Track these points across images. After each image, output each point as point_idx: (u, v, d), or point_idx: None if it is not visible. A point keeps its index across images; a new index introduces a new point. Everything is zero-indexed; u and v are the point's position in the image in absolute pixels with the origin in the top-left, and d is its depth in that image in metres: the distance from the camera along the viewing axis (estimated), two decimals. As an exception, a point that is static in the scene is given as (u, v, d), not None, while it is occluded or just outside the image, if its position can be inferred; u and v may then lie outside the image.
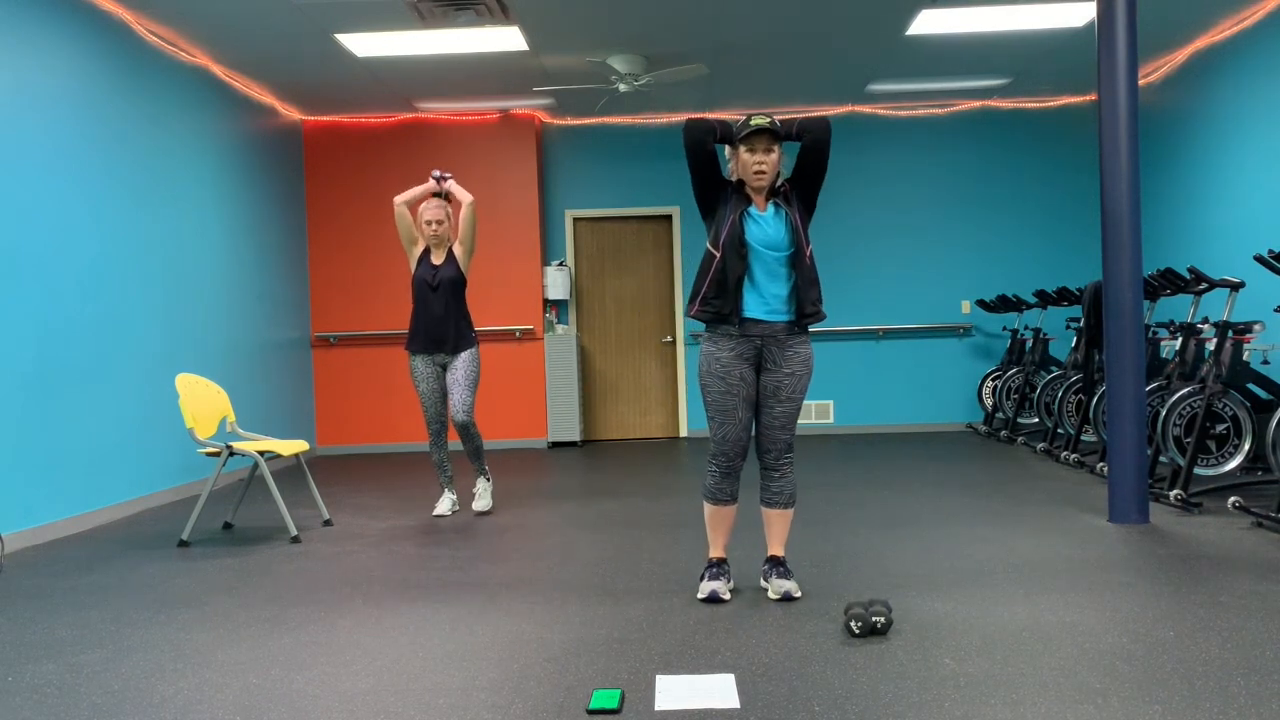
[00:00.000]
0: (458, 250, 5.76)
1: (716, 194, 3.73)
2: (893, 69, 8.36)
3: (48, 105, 5.66)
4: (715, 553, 3.89)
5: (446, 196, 5.81)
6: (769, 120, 3.64)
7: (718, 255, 3.66)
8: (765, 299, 3.68)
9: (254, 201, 8.32)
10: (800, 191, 3.75)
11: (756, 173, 3.65)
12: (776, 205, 3.70)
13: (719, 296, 3.67)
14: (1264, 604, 3.55)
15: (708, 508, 3.86)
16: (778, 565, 3.84)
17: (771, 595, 3.80)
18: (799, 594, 3.79)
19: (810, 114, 3.77)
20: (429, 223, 5.68)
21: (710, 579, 3.82)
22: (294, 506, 6.29)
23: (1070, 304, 8.10)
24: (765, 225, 3.67)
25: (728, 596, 3.81)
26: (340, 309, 9.47)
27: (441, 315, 5.67)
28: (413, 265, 5.78)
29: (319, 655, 3.29)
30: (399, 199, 5.75)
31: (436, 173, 5.85)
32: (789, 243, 3.66)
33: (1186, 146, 8.20)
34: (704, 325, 3.76)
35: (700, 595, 3.80)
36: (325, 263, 9.46)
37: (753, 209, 3.68)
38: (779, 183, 3.76)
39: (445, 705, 2.81)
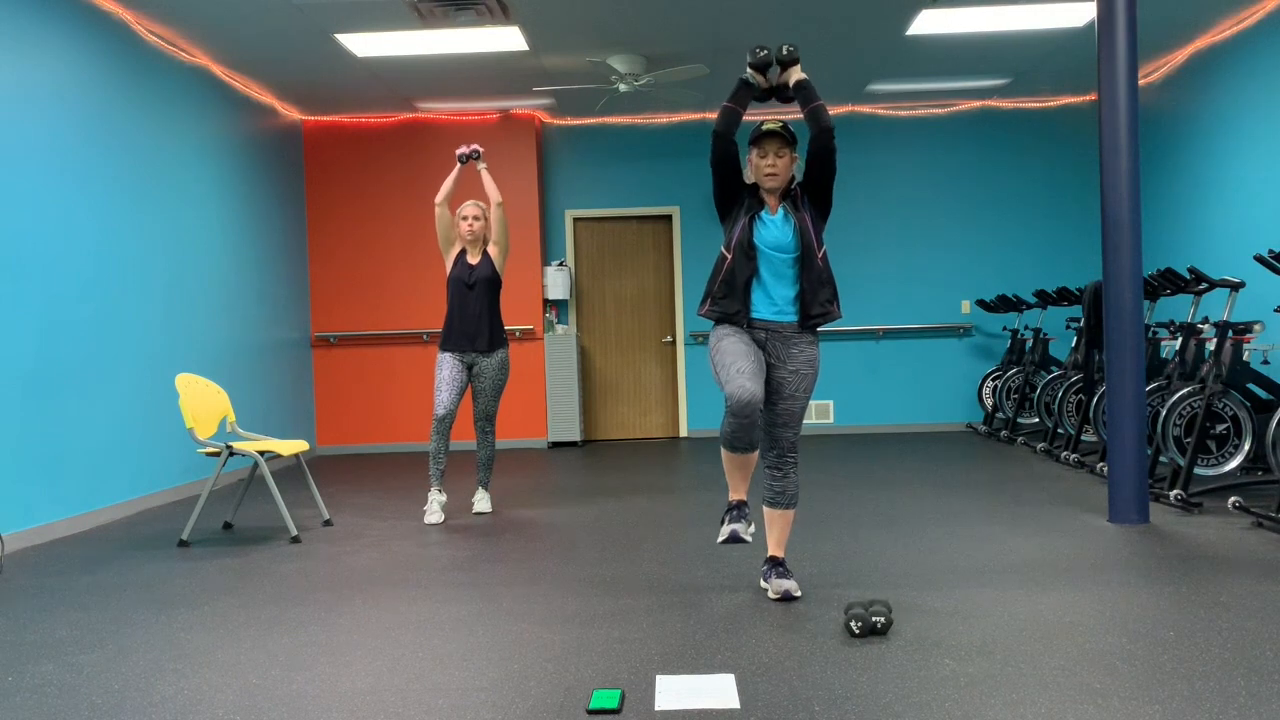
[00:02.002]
0: (493, 250, 5.78)
1: (735, 196, 3.80)
2: (893, 69, 8.37)
3: (48, 105, 5.66)
4: (736, 495, 3.79)
5: (471, 158, 5.75)
6: (780, 125, 3.71)
7: (729, 257, 3.74)
8: (773, 300, 3.73)
9: (254, 201, 8.32)
10: (811, 194, 3.79)
11: (768, 175, 3.72)
12: (786, 209, 3.75)
13: (728, 297, 3.73)
14: (1264, 604, 3.55)
15: (726, 454, 3.76)
16: (777, 565, 3.85)
17: (771, 595, 3.80)
18: (799, 594, 3.79)
19: (822, 105, 3.75)
20: (465, 218, 5.69)
21: (732, 521, 3.72)
22: (294, 506, 6.29)
23: (1070, 304, 8.10)
24: (773, 228, 3.72)
25: (749, 538, 3.73)
26: (340, 309, 9.47)
27: (476, 314, 5.71)
28: (449, 266, 5.79)
29: (319, 655, 3.29)
30: (439, 198, 5.73)
31: (462, 150, 5.79)
32: (796, 245, 3.71)
33: (1186, 146, 8.20)
34: (713, 324, 3.80)
35: (720, 538, 3.72)
36: (325, 263, 9.46)
37: (764, 213, 3.74)
38: (792, 185, 3.81)
39: (445, 705, 2.81)
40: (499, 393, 5.82)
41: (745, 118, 3.85)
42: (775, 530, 3.87)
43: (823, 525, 5.22)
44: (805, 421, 9.69)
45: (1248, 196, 7.29)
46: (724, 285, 3.73)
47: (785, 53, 3.73)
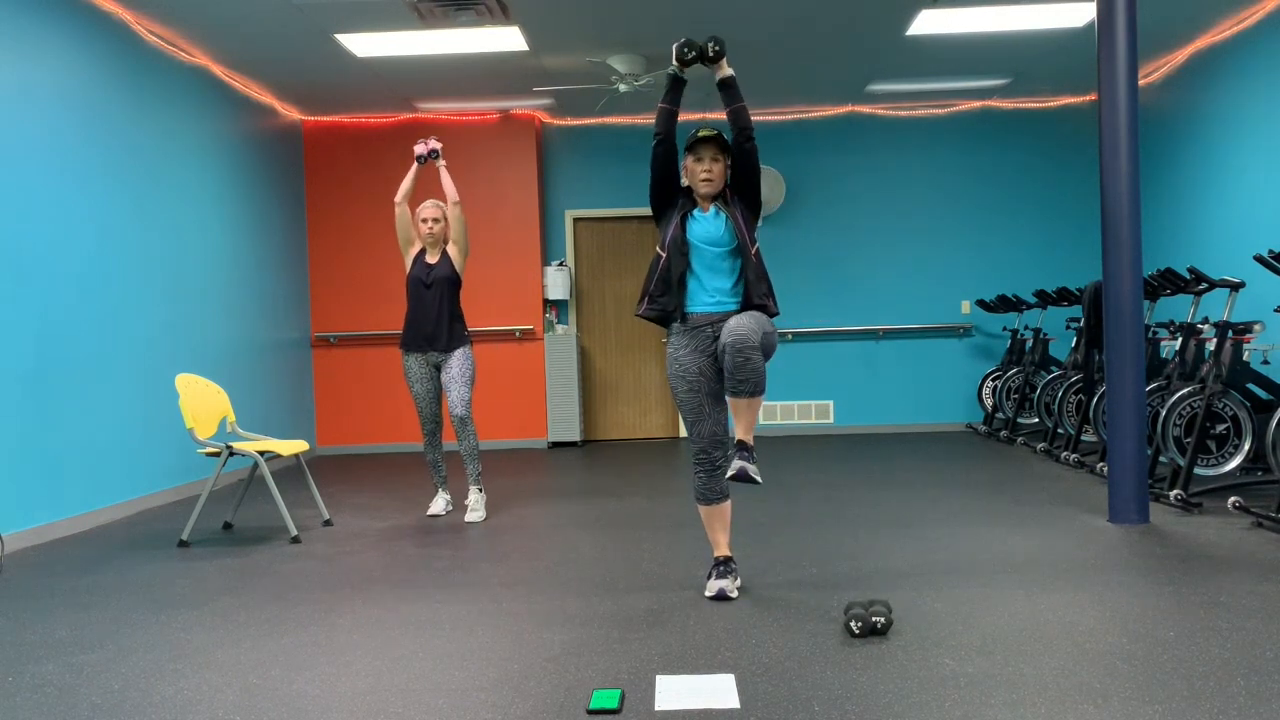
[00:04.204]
0: (452, 250, 5.78)
1: (670, 200, 3.89)
2: (893, 69, 8.36)
3: (48, 105, 5.66)
4: (719, 551, 3.95)
5: (429, 158, 5.73)
6: (715, 132, 3.82)
7: (664, 255, 3.83)
8: (709, 291, 3.82)
9: (254, 201, 8.32)
10: (740, 193, 3.88)
11: (704, 180, 3.83)
12: (717, 207, 3.85)
13: (664, 294, 3.83)
14: (1264, 604, 3.55)
15: (701, 509, 3.94)
16: (743, 449, 3.72)
17: (729, 474, 3.68)
18: (759, 479, 3.68)
19: (745, 107, 3.82)
20: (425, 220, 5.70)
21: (717, 577, 3.88)
22: (294, 506, 6.29)
23: (1070, 304, 8.10)
24: (705, 223, 3.82)
25: (735, 594, 3.86)
26: (340, 309, 9.47)
27: (435, 314, 5.68)
28: (408, 265, 5.80)
29: (319, 655, 3.29)
30: (398, 197, 5.77)
31: (420, 149, 5.75)
32: (729, 239, 3.80)
33: (1186, 146, 8.20)
34: (662, 325, 3.89)
35: (708, 593, 3.86)
36: (325, 263, 9.46)
37: (696, 210, 3.86)
38: (723, 186, 3.90)
39: (445, 705, 2.81)
40: (469, 380, 5.69)
41: (682, 118, 3.93)
42: (740, 415, 3.74)
43: (823, 525, 5.22)
44: (806, 421, 9.68)
45: (1248, 196, 7.29)
46: (660, 283, 3.83)
47: (713, 51, 3.78)
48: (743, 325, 3.64)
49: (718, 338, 3.79)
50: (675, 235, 3.79)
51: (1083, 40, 7.59)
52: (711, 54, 3.76)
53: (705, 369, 3.82)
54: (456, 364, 5.70)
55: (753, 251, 3.79)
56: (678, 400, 3.87)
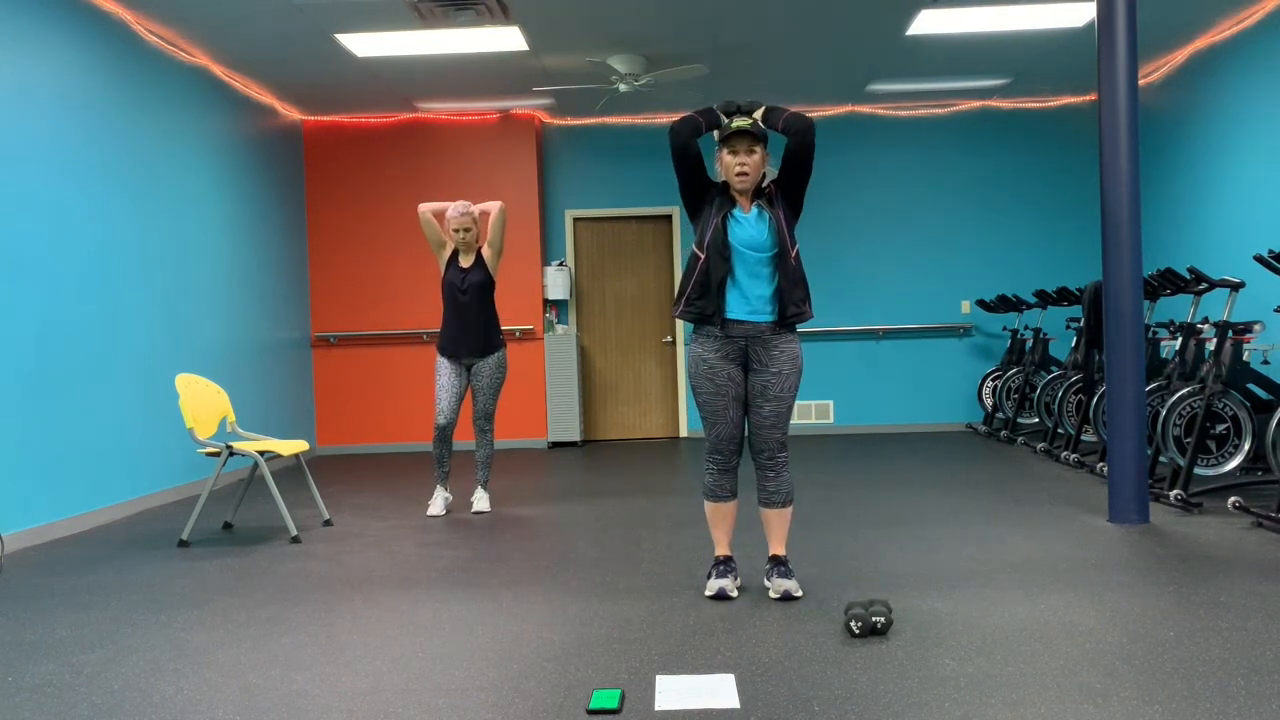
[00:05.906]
0: (486, 253, 5.84)
1: (703, 195, 3.79)
2: (893, 69, 8.36)
3: (48, 105, 5.66)
4: (720, 550, 3.95)
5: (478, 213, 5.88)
6: (750, 122, 3.71)
7: (702, 257, 3.73)
8: (748, 299, 3.73)
9: (254, 201, 8.32)
10: (785, 193, 3.79)
11: (739, 174, 3.72)
12: (760, 207, 3.75)
13: (702, 297, 3.73)
14: (1264, 604, 3.55)
15: (708, 506, 3.93)
16: (779, 564, 3.85)
17: (772, 595, 3.80)
18: (799, 593, 3.79)
19: (797, 111, 3.76)
20: (455, 230, 5.75)
21: (717, 576, 3.87)
22: (294, 506, 6.29)
23: (1070, 304, 8.10)
24: (748, 226, 3.72)
25: (735, 594, 3.85)
26: (340, 309, 9.47)
27: (471, 319, 5.76)
28: (442, 268, 5.85)
29: (319, 655, 3.29)
30: (424, 206, 5.82)
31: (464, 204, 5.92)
32: (772, 243, 3.71)
33: (1186, 146, 8.20)
34: (690, 326, 3.82)
35: (708, 592, 3.84)
36: (325, 263, 9.46)
37: (736, 210, 3.74)
38: (764, 184, 3.81)
39: (445, 705, 2.81)
40: (497, 391, 5.86)
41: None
42: (774, 529, 3.88)
43: (823, 525, 5.22)
44: (806, 421, 9.69)
45: (1248, 196, 7.29)
46: (698, 286, 3.73)
47: (746, 102, 3.82)
48: (773, 438, 3.76)
49: (750, 349, 3.75)
50: (716, 237, 3.68)
51: (1083, 40, 7.59)
52: (744, 104, 3.80)
53: (734, 375, 3.77)
54: (488, 374, 5.81)
55: (793, 254, 3.71)
56: (699, 399, 3.81)
